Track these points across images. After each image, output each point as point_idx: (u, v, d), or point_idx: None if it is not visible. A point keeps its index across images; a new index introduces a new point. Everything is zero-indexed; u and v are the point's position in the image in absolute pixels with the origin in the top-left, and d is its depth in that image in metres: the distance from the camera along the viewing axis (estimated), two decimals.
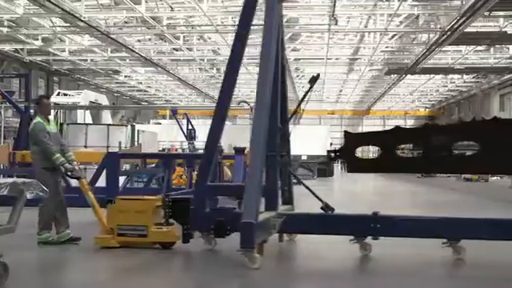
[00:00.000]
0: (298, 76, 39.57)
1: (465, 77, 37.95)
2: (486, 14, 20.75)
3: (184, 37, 28.55)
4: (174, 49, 30.48)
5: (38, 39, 27.47)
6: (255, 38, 28.98)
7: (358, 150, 6.91)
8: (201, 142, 21.78)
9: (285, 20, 24.44)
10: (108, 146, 14.41)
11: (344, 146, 6.84)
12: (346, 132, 6.88)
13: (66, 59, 31.81)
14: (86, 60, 33.07)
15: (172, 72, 35.07)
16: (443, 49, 27.41)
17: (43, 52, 30.07)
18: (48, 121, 7.32)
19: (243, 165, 10.58)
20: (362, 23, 26.55)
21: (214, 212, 6.49)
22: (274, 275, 5.78)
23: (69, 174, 7.13)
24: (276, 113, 6.98)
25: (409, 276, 5.84)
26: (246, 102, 20.37)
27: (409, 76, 35.13)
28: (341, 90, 46.74)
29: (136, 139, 18.11)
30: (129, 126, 19.69)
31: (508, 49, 29.15)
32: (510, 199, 16.00)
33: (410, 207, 13.67)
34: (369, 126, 54.34)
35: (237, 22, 24.72)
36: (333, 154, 6.92)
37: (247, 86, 44.86)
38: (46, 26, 25.14)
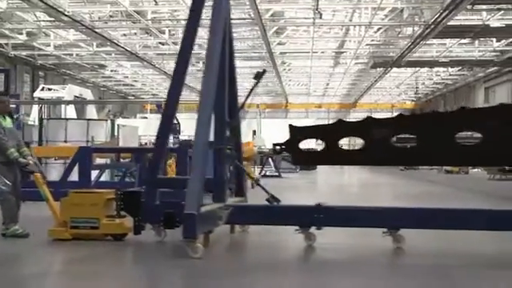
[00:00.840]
0: (284, 70, 39.62)
1: (450, 70, 38.17)
2: (469, 7, 20.90)
3: (170, 31, 28.53)
4: (159, 43, 30.43)
5: (22, 34, 27.33)
6: (243, 32, 29.29)
7: (302, 142, 7.05)
8: (185, 136, 21.80)
9: (269, 14, 24.52)
10: (88, 141, 14.44)
11: (289, 139, 6.98)
12: (290, 125, 7.02)
13: (51, 54, 31.68)
14: (72, 54, 32.95)
15: (158, 66, 35.01)
16: (428, 42, 27.58)
17: (28, 47, 29.91)
18: (4, 117, 7.49)
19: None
20: (347, 17, 26.67)
21: (163, 204, 6.62)
22: (218, 265, 5.92)
23: (23, 168, 7.27)
24: (224, 107, 7.15)
25: (352, 263, 6.03)
26: None
27: (395, 69, 35.30)
28: (327, 84, 46.85)
29: (116, 134, 18.10)
30: (109, 121, 19.67)
31: (492, 42, 29.41)
32: (484, 190, 16.18)
33: (385, 199, 13.91)
34: (356, 119, 54.43)
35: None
36: (278, 147, 7.08)
37: None
38: (30, 20, 25.02)
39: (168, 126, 7.07)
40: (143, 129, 31.46)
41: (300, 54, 34.36)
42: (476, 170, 28.41)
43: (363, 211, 6.89)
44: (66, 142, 14.61)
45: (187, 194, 6.00)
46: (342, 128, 6.86)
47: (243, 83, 46.17)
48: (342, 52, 33.29)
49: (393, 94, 51.86)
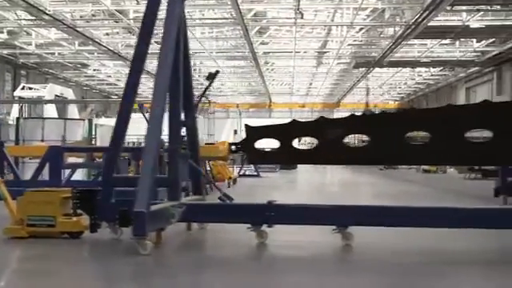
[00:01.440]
0: (267, 69, 39.73)
1: (432, 70, 38.49)
2: (449, 8, 21.13)
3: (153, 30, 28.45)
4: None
5: (3, 32, 27.15)
6: (226, 32, 29.35)
7: (258, 142, 7.19)
8: (167, 135, 21.76)
9: (252, 14, 24.58)
10: (64, 140, 14.43)
11: (245, 139, 7.15)
12: (246, 125, 7.18)
13: (32, 53, 31.48)
14: (54, 53, 32.77)
15: None
16: (409, 42, 27.83)
17: (9, 45, 29.70)
18: None
19: None
20: (329, 17, 26.82)
21: (118, 203, 6.70)
22: (168, 262, 6.07)
23: None
24: (178, 108, 7.32)
25: (302, 260, 6.14)
26: (204, 96, 20.46)
27: (377, 69, 35.55)
28: (311, 83, 47.04)
29: (94, 133, 18.11)
30: (86, 120, 19.64)
31: (472, 42, 29.72)
32: (456, 189, 16.38)
33: (358, 198, 14.07)
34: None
35: (204, 16, 24.73)
36: (234, 147, 7.35)
37: (217, 79, 44.95)
38: (11, 19, 24.87)
39: (123, 126, 7.13)
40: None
41: (283, 54, 34.48)
42: (452, 169, 28.71)
43: (312, 209, 7.05)
44: (42, 141, 14.58)
45: (137, 193, 6.12)
46: (295, 128, 7.00)
47: (227, 82, 46.33)
48: (325, 52, 33.44)
49: (376, 94, 52.14)
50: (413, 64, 34.13)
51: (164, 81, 6.80)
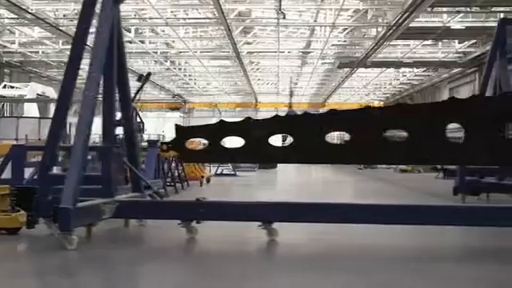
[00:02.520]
0: (252, 69, 39.83)
1: (416, 70, 38.76)
2: (429, 9, 21.34)
3: (137, 29, 28.51)
4: (128, 41, 30.33)
5: None
6: (211, 32, 29.39)
7: (188, 141, 7.48)
8: (150, 134, 21.88)
9: (235, 14, 24.66)
10: (39, 139, 14.48)
11: (176, 138, 7.37)
12: (176, 125, 7.44)
13: (16, 51, 31.38)
14: (38, 52, 32.68)
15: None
16: (393, 43, 28.04)
17: None
18: None
19: (156, 157, 11.03)
20: (312, 17, 26.95)
21: (55, 199, 6.83)
22: (97, 256, 6.24)
23: None
24: (112, 108, 7.64)
25: (228, 255, 6.36)
26: (179, 95, 20.63)
27: (362, 69, 35.75)
28: (296, 83, 47.18)
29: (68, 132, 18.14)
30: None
31: (455, 43, 30.00)
32: (423, 188, 16.52)
33: (326, 195, 14.30)
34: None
35: (189, 15, 24.73)
36: (165, 146, 7.55)
37: (202, 78, 45.04)
38: None
39: (59, 125, 7.35)
40: None
41: (267, 54, 34.60)
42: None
43: (238, 206, 7.38)
44: (16, 139, 14.62)
45: (64, 190, 6.36)
46: (223, 128, 7.22)
47: (213, 82, 46.27)
48: (309, 52, 33.59)
49: (361, 94, 52.42)
50: (396, 64, 34.38)
51: (94, 83, 7.05)
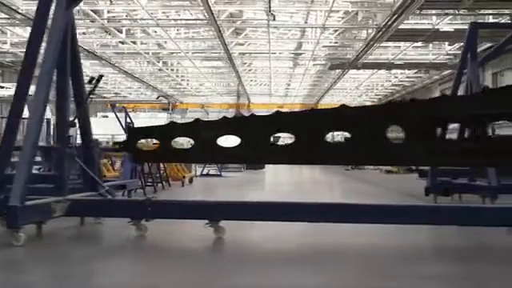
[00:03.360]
0: (245, 70, 39.95)
1: (407, 72, 38.95)
2: (417, 12, 21.50)
3: (129, 30, 28.56)
4: (120, 42, 30.40)
5: None
6: (203, 33, 29.47)
7: (140, 141, 7.87)
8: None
9: (225, 15, 24.77)
10: (21, 139, 14.56)
11: (127, 139, 7.62)
12: (128, 127, 7.58)
13: (7, 51, 31.39)
14: None
15: (117, 65, 34.97)
16: (384, 45, 28.20)
17: None
18: None
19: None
20: (303, 19, 27.07)
21: (7, 198, 7.01)
22: (45, 253, 6.46)
23: None
24: (65, 109, 7.93)
25: (174, 251, 6.66)
26: (164, 96, 20.78)
27: (354, 71, 35.90)
28: (289, 84, 47.34)
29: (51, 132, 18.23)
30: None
31: (445, 45, 30.17)
32: (401, 188, 16.59)
33: (303, 195, 14.55)
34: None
35: (181, 16, 24.73)
36: (118, 146, 7.89)
37: (195, 79, 45.10)
38: None
39: (14, 124, 7.51)
40: (104, 127, 31.37)
41: (259, 55, 34.69)
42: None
43: (185, 205, 7.69)
44: None
45: (12, 188, 6.63)
46: (173, 129, 7.46)
47: (206, 83, 46.15)
48: (300, 53, 33.71)
49: (353, 95, 52.59)
50: (387, 66, 34.55)
51: (44, 85, 7.27)
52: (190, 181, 18.03)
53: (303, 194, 15.12)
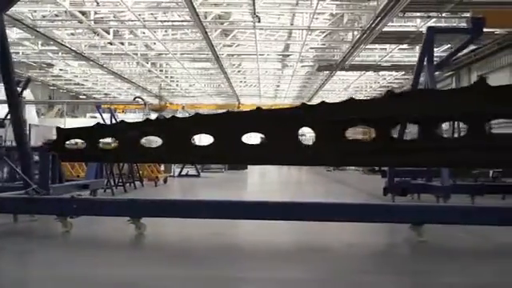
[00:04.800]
0: (233, 71, 40.09)
1: (395, 74, 39.19)
2: (401, 14, 21.71)
3: (117, 31, 28.63)
4: (109, 43, 30.45)
5: None
6: (191, 34, 29.58)
7: (68, 142, 8.07)
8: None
9: (211, 17, 24.92)
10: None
11: (56, 139, 7.93)
12: (57, 128, 7.99)
13: None
14: (18, 53, 32.72)
15: (105, 66, 35.03)
16: (371, 47, 28.42)
17: None
18: None
19: None
20: (290, 20, 27.24)
21: None
22: None
23: None
24: None
25: (101, 245, 6.91)
26: (140, 97, 20.93)
27: (343, 72, 36.12)
28: (278, 86, 47.50)
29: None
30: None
31: None
32: (371, 189, 16.84)
33: (273, 195, 14.75)
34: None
35: (168, 18, 24.76)
36: (46, 146, 8.15)
37: (184, 80, 45.21)
38: None
39: None
40: None
41: (247, 56, 34.84)
42: None
43: (107, 202, 8.07)
44: None
45: None
46: (99, 130, 7.69)
47: (196, 84, 46.06)
48: (288, 55, 33.89)
49: (343, 97, 52.77)
50: (374, 68, 34.77)
51: None
52: (165, 181, 18.16)
53: (266, 193, 15.33)
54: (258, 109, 6.69)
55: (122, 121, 7.40)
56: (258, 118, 6.75)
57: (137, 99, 20.10)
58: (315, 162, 7.59)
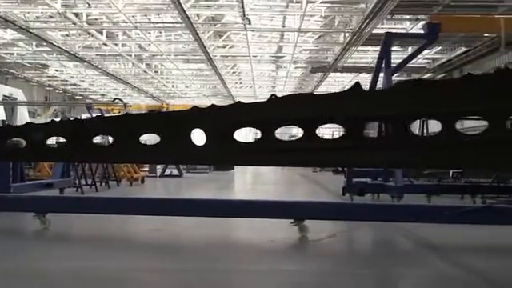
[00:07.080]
0: (228, 73, 40.31)
1: None
2: (389, 17, 21.89)
3: (111, 32, 28.84)
4: (104, 44, 30.65)
5: None
6: (184, 35, 29.78)
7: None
8: None
9: (202, 19, 25.12)
10: None
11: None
12: None
13: None
14: (13, 54, 32.95)
15: (100, 67, 35.23)
16: (363, 48, 28.59)
17: None
18: None
19: None
20: (282, 22, 27.42)
21: None
22: None
23: None
24: None
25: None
26: (119, 99, 21.11)
27: (337, 74, 36.30)
28: (273, 87, 47.70)
29: None
30: None
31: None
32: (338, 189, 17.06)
33: (246, 195, 14.96)
34: None
35: (162, 19, 24.91)
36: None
37: (180, 81, 45.42)
38: None
39: None
40: None
41: (241, 58, 35.03)
42: None
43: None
44: None
45: None
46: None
47: (192, 85, 46.19)
48: (281, 56, 34.08)
49: None
50: (367, 70, 34.88)
51: None
52: (142, 181, 18.15)
53: (238, 193, 15.52)
54: (152, 111, 6.94)
55: (29, 122, 7.65)
56: (153, 120, 6.96)
57: (116, 100, 20.24)
58: (206, 162, 7.79)
